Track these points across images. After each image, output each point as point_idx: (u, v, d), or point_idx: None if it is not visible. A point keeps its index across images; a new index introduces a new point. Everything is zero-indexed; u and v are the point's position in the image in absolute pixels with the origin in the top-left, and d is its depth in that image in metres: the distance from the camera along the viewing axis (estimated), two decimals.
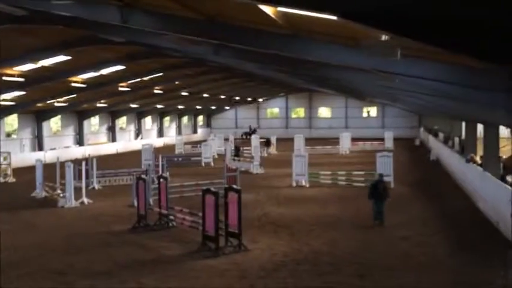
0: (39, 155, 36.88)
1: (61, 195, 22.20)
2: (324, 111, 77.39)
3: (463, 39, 6.15)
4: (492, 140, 21.11)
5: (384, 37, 10.32)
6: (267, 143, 47.35)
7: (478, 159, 22.96)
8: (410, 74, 14.22)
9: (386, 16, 6.08)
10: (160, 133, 67.60)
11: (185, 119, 75.75)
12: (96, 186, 26.11)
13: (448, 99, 20.00)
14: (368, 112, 74.91)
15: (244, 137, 49.94)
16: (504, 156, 21.07)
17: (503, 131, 22.49)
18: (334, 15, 6.53)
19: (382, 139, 52.38)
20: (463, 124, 30.04)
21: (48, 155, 39.32)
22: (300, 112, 78.93)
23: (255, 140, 40.86)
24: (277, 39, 14.60)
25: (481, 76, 11.63)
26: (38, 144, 44.88)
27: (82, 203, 21.66)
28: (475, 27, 5.86)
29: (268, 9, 10.84)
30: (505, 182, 18.57)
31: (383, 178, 17.94)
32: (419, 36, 6.36)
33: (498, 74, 10.36)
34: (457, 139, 32.31)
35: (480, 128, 26.48)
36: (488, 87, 12.20)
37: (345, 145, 48.54)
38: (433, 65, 13.09)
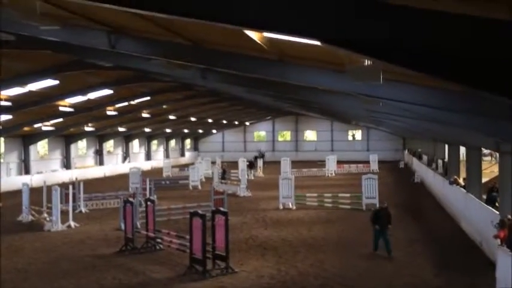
0: (25, 178, 36.58)
1: (47, 219, 22.10)
2: (310, 135, 77.93)
3: (440, 63, 6.41)
4: (474, 163, 21.50)
5: (367, 62, 10.63)
6: (250, 165, 47.56)
7: (461, 181, 23.32)
8: (393, 98, 14.55)
9: (366, 42, 6.35)
10: (148, 156, 67.46)
11: (173, 143, 75.75)
12: (83, 210, 26.00)
13: (430, 122, 20.41)
14: (353, 135, 75.58)
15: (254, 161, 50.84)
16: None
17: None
18: (317, 40, 6.79)
19: (367, 162, 52.96)
20: (446, 147, 30.54)
21: (34, 179, 39.02)
22: (286, 135, 79.38)
23: (241, 163, 41.02)
24: (263, 64, 14.85)
25: (460, 99, 11.97)
26: (25, 168, 44.56)
27: (69, 226, 21.57)
28: (453, 52, 6.14)
29: (253, 35, 11.13)
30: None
31: (386, 204, 17.00)
32: (400, 62, 6.61)
33: (477, 98, 10.71)
34: (440, 161, 32.77)
35: (463, 150, 26.94)
36: (469, 111, 12.54)
37: (331, 168, 48.96)
38: (414, 88, 13.41)
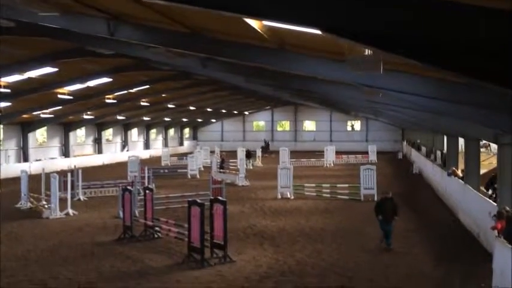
0: (24, 166, 36.62)
1: (46, 206, 22.13)
2: (309, 125, 77.87)
3: (443, 54, 6.38)
4: (473, 154, 21.51)
5: (367, 52, 10.59)
6: (248, 154, 47.60)
7: (459, 172, 23.34)
8: (393, 88, 14.52)
9: (368, 31, 6.32)
10: (147, 145, 67.47)
11: (171, 132, 75.71)
12: (82, 198, 26.03)
13: (430, 113, 20.40)
14: (352, 126, 75.55)
15: (262, 151, 51.75)
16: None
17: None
18: (318, 29, 6.75)
19: (366, 152, 53.02)
20: (445, 138, 30.54)
21: (33, 166, 39.08)
22: (285, 125, 79.34)
23: (240, 152, 41.03)
24: (263, 53, 14.79)
25: (462, 91, 11.94)
26: (23, 155, 44.56)
27: (67, 214, 21.60)
28: (456, 44, 6.10)
29: (254, 23, 11.06)
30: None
31: (390, 195, 16.26)
32: (400, 52, 6.57)
33: (477, 89, 10.68)
34: (439, 153, 32.79)
35: (462, 142, 26.94)
36: (469, 102, 12.52)
37: (330, 158, 48.96)
38: (415, 79, 13.39)
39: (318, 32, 7.04)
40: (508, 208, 12.69)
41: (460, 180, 21.53)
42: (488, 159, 29.79)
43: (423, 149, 42.96)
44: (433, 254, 15.01)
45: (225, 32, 13.84)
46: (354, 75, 13.55)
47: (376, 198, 24.97)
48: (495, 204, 15.24)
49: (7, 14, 14.69)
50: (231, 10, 6.71)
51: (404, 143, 64.90)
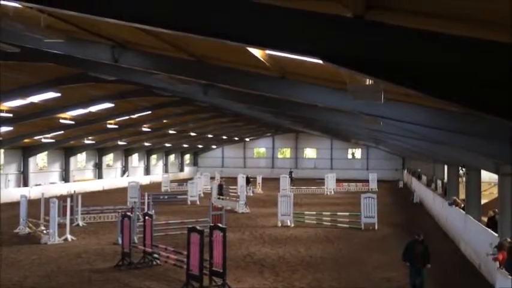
0: (24, 190, 36.53)
1: (44, 231, 22.01)
2: (309, 152, 77.92)
3: (442, 84, 6.44)
4: (474, 184, 21.47)
5: (368, 81, 10.68)
6: (247, 181, 47.50)
7: (460, 201, 23.26)
8: (394, 117, 14.58)
9: (368, 62, 6.39)
10: (147, 171, 67.42)
11: (172, 157, 75.73)
12: (81, 223, 25.89)
13: (430, 143, 20.44)
14: (353, 154, 75.57)
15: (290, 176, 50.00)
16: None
17: (485, 174, 22.89)
18: (318, 58, 6.83)
19: (367, 180, 52.89)
20: (446, 167, 30.53)
21: (33, 191, 39.00)
22: (286, 152, 79.37)
23: (241, 179, 40.93)
24: (265, 81, 14.93)
25: (461, 121, 12.01)
26: (23, 180, 44.49)
27: (66, 239, 21.47)
28: (453, 74, 6.17)
29: (256, 52, 11.20)
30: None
31: (422, 237, 13.86)
32: (401, 82, 6.64)
33: (478, 119, 10.74)
34: (439, 182, 32.73)
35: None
36: (469, 132, 12.57)
37: (330, 186, 48.83)
38: (415, 108, 13.47)
39: (319, 61, 7.12)
40: (509, 239, 12.61)
41: (461, 210, 21.44)
42: (489, 189, 29.70)
43: (424, 178, 42.90)
44: (435, 284, 14.84)
45: (228, 60, 13.99)
46: (355, 104, 13.65)
47: (377, 227, 24.93)
48: (496, 235, 15.15)
49: (12, 39, 14.87)
50: (234, 39, 6.81)
51: (405, 171, 64.82)
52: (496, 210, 20.80)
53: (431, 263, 13.49)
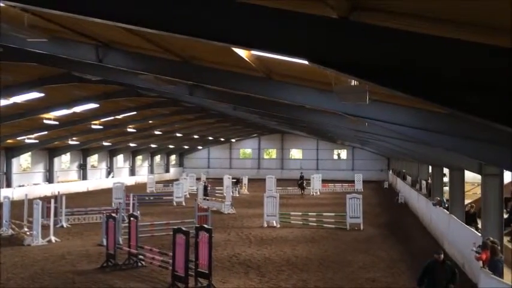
0: (7, 191, 36.09)
1: (28, 233, 21.76)
2: (295, 153, 78.10)
3: (426, 86, 6.49)
4: (458, 184, 21.67)
5: (354, 82, 10.73)
6: (236, 181, 47.79)
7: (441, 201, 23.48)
8: (379, 118, 14.68)
9: (353, 63, 6.42)
10: (132, 172, 67.03)
11: (158, 158, 75.39)
12: (65, 225, 25.64)
13: (414, 143, 20.60)
14: (338, 154, 75.91)
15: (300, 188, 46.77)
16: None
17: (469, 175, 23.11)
18: (304, 59, 6.85)
19: (352, 181, 53.20)
20: (430, 168, 30.77)
21: (16, 192, 38.56)
22: (272, 153, 79.47)
23: (227, 179, 40.89)
24: (250, 81, 14.94)
25: (445, 122, 12.12)
26: (6, 181, 43.98)
27: (49, 241, 21.25)
28: (436, 75, 6.22)
29: (242, 53, 11.19)
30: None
31: (442, 257, 11.42)
32: (387, 84, 6.68)
33: (462, 120, 10.85)
34: (424, 182, 32.98)
35: (446, 171, 27.17)
36: (452, 133, 12.69)
37: (316, 186, 49.00)
38: (400, 109, 13.58)
39: (305, 62, 7.14)
40: (492, 239, 12.76)
41: (445, 210, 21.63)
42: (473, 190, 29.98)
43: (408, 178, 43.20)
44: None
45: (214, 61, 13.98)
46: (340, 105, 13.70)
47: (362, 227, 25.05)
48: (479, 234, 15.31)
49: None
50: (219, 40, 6.79)
51: (390, 172, 65.27)
52: (473, 204, 21.11)
53: (456, 283, 11.25)
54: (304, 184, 47.08)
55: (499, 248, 12.51)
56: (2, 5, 9.55)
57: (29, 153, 47.53)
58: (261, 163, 78.09)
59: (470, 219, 19.79)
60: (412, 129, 14.57)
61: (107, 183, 53.09)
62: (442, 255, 11.39)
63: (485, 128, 9.51)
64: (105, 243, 18.16)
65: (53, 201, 23.19)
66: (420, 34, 5.99)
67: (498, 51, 5.57)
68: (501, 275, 11.74)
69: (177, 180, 47.94)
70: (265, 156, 79.37)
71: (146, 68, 15.46)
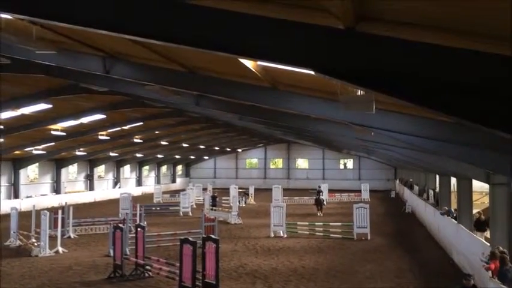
0: (14, 203, 36.24)
1: (35, 244, 21.81)
2: (301, 163, 77.97)
3: (434, 95, 6.49)
4: (465, 194, 21.56)
5: (360, 92, 10.73)
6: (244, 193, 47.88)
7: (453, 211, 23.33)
8: (385, 128, 14.66)
9: (359, 73, 6.43)
10: (139, 182, 67.13)
11: (164, 168, 75.50)
12: (72, 235, 25.69)
13: (421, 152, 20.53)
14: (345, 164, 75.69)
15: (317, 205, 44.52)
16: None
17: (477, 184, 23.00)
18: (309, 69, 6.88)
19: (359, 191, 53.00)
20: (437, 177, 30.63)
21: (24, 203, 38.71)
22: (278, 163, 79.36)
23: (233, 190, 40.84)
24: (256, 92, 14.97)
25: (452, 131, 12.09)
26: (14, 191, 44.19)
27: (57, 252, 21.29)
28: (439, 83, 6.22)
29: (248, 63, 11.24)
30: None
31: (472, 282, 10.99)
32: (393, 93, 6.69)
33: (469, 129, 10.82)
34: (431, 192, 32.84)
35: (454, 181, 27.04)
36: (459, 142, 12.65)
37: (323, 196, 48.74)
38: (406, 118, 13.57)
39: (311, 72, 7.17)
40: (501, 248, 12.67)
41: (453, 220, 21.50)
42: (481, 199, 29.82)
43: (416, 187, 43.01)
44: None
45: (220, 71, 14.03)
46: (347, 114, 13.72)
47: (369, 237, 24.93)
48: (488, 244, 15.20)
49: (3, 51, 14.84)
50: (226, 51, 6.84)
51: (397, 181, 64.98)
52: (481, 211, 21.01)
53: None
54: (323, 201, 39.97)
55: (508, 257, 12.42)
56: (11, 17, 9.66)
57: (37, 164, 47.75)
58: (267, 173, 78.00)
59: (481, 226, 19.70)
60: (418, 138, 14.54)
61: (114, 193, 53.16)
62: (472, 281, 10.96)
63: (490, 136, 9.48)
64: (112, 253, 18.17)
65: (60, 212, 23.25)
66: (428, 44, 6.01)
67: (500, 60, 5.59)
68: (510, 285, 11.64)
69: (183, 190, 47.95)
70: (272, 166, 79.27)
71: (152, 78, 15.55)
